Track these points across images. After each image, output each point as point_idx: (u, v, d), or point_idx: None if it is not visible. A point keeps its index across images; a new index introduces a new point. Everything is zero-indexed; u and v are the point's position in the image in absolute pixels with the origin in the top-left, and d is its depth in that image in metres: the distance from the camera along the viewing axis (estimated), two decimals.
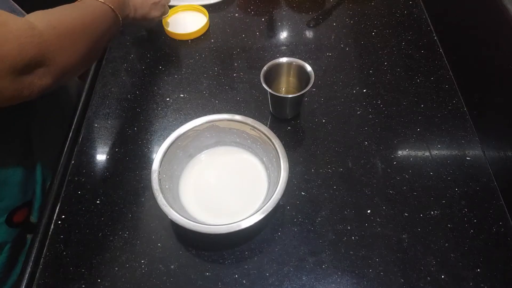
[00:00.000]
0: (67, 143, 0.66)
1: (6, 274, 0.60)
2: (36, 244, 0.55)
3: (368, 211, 0.57)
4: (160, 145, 0.54)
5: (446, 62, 0.75)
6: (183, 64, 0.77)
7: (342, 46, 0.79)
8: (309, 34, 0.82)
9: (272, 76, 0.64)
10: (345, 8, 0.86)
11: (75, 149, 0.65)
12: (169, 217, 0.48)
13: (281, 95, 0.64)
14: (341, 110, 0.69)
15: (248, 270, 0.52)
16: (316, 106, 0.69)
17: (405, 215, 0.56)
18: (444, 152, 0.63)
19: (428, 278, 0.51)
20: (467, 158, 0.62)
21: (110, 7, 0.57)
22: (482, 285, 0.50)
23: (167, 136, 0.55)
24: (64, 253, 0.55)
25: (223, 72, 0.75)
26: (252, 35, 0.82)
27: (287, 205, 0.58)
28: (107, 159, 0.64)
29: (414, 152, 0.63)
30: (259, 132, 0.55)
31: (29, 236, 0.63)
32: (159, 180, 0.51)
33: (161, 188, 0.51)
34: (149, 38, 0.82)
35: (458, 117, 0.67)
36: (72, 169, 0.63)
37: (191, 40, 0.81)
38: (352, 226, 0.56)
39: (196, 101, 0.71)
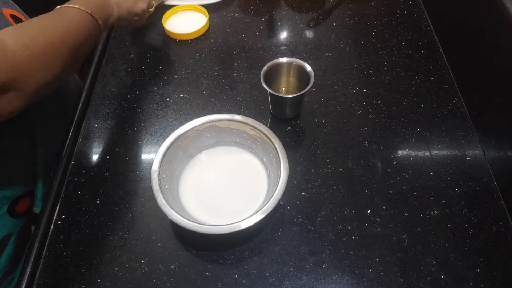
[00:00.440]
0: (67, 143, 0.66)
1: (13, 266, 0.60)
2: (36, 244, 0.55)
3: (368, 211, 0.57)
4: (160, 145, 0.54)
5: (446, 62, 0.75)
6: (183, 64, 0.77)
7: (342, 46, 0.79)
8: (309, 34, 0.82)
9: (272, 76, 0.64)
10: (345, 8, 0.86)
11: (75, 149, 0.65)
12: (169, 217, 0.48)
13: (281, 95, 0.64)
14: (341, 110, 0.69)
15: (248, 270, 0.52)
16: (316, 106, 0.69)
17: (405, 215, 0.56)
18: (444, 152, 0.63)
19: (428, 278, 0.51)
20: (467, 158, 0.62)
21: (88, 13, 0.52)
22: (482, 285, 0.50)
23: (167, 136, 0.55)
24: (64, 253, 0.55)
25: (223, 72, 0.75)
26: (252, 35, 0.82)
27: (287, 205, 0.58)
28: (107, 159, 0.64)
29: (414, 152, 0.63)
30: (259, 132, 0.55)
31: (33, 227, 0.63)
32: (159, 180, 0.51)
33: (161, 188, 0.51)
34: (148, 37, 0.82)
35: (458, 117, 0.67)
36: (72, 169, 0.63)
37: (191, 40, 0.81)
38: (352, 226, 0.56)
39: (196, 101, 0.71)
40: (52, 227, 0.57)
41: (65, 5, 0.52)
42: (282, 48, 0.79)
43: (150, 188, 0.51)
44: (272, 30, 0.84)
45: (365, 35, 0.80)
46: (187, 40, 0.81)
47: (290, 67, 0.64)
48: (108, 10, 0.58)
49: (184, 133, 0.56)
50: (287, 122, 0.67)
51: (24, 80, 0.43)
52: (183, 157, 0.58)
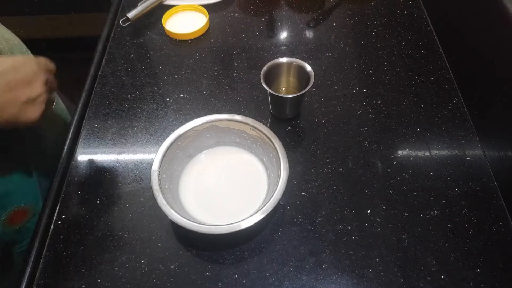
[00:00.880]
0: (67, 143, 0.66)
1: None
2: (36, 244, 0.55)
3: (368, 211, 0.57)
4: (160, 145, 0.54)
5: (446, 62, 0.75)
6: (183, 64, 0.77)
7: (342, 46, 0.79)
8: (309, 34, 0.82)
9: (272, 76, 0.64)
10: (345, 8, 0.86)
11: (75, 149, 0.66)
12: (169, 217, 0.48)
13: (281, 95, 0.64)
14: (341, 110, 0.69)
15: (248, 270, 0.52)
16: (316, 106, 0.69)
17: (405, 215, 0.56)
18: (444, 152, 0.63)
19: (428, 278, 0.51)
20: (467, 158, 0.62)
21: None
22: (482, 285, 0.50)
23: (167, 136, 0.55)
24: (64, 253, 0.55)
25: (223, 72, 0.75)
26: (252, 35, 0.82)
27: (287, 205, 0.58)
28: (107, 159, 0.64)
29: (414, 152, 0.63)
30: (259, 132, 0.55)
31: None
32: (159, 180, 0.51)
33: (161, 188, 0.51)
34: (148, 37, 0.82)
35: (458, 117, 0.67)
36: (72, 169, 0.63)
37: (191, 40, 0.81)
38: (352, 226, 0.56)
39: (196, 101, 0.71)
40: (52, 227, 0.57)
41: None
42: (282, 48, 0.79)
43: (150, 188, 0.51)
44: (272, 30, 0.84)
45: (365, 35, 0.80)
46: (187, 40, 0.81)
47: (290, 67, 0.64)
48: None
49: (184, 133, 0.56)
50: (287, 122, 0.67)
51: None
52: (183, 157, 0.58)
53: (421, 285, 0.51)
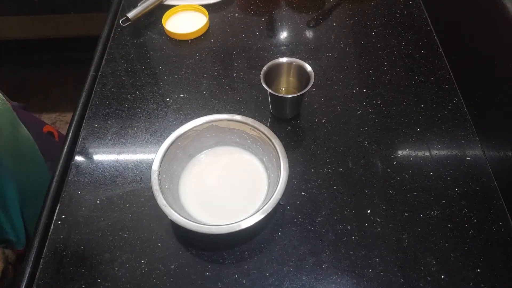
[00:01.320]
0: (67, 143, 0.66)
1: None
2: (36, 244, 0.55)
3: (368, 211, 0.57)
4: (160, 145, 0.54)
5: (446, 62, 0.75)
6: (183, 64, 0.77)
7: (342, 46, 0.79)
8: (309, 34, 0.82)
9: (272, 76, 0.64)
10: (345, 8, 0.86)
11: (75, 149, 0.66)
12: (169, 217, 0.48)
13: (281, 95, 0.64)
14: (341, 110, 0.69)
15: (248, 270, 0.52)
16: (316, 106, 0.69)
17: (405, 215, 0.56)
18: (444, 152, 0.63)
19: (428, 278, 0.51)
20: (467, 158, 0.62)
21: None
22: (482, 285, 0.51)
23: (167, 136, 0.55)
24: (64, 253, 0.55)
25: (223, 72, 0.75)
26: (252, 35, 0.82)
27: (287, 205, 0.58)
28: (107, 159, 0.64)
29: (414, 152, 0.63)
30: (259, 132, 0.55)
31: None
32: (159, 180, 0.51)
33: (161, 188, 0.51)
34: (148, 37, 0.82)
35: (458, 117, 0.67)
36: (72, 169, 0.63)
37: (191, 40, 0.81)
38: (352, 226, 0.56)
39: (196, 101, 0.71)
40: (52, 227, 0.57)
41: None
42: (282, 48, 0.79)
43: (150, 188, 0.51)
44: (272, 30, 0.84)
45: (365, 35, 0.80)
46: (187, 40, 0.81)
47: (290, 67, 0.64)
48: None
49: (184, 133, 0.56)
50: (287, 122, 0.67)
51: None
52: (183, 157, 0.58)
53: (421, 285, 0.51)
